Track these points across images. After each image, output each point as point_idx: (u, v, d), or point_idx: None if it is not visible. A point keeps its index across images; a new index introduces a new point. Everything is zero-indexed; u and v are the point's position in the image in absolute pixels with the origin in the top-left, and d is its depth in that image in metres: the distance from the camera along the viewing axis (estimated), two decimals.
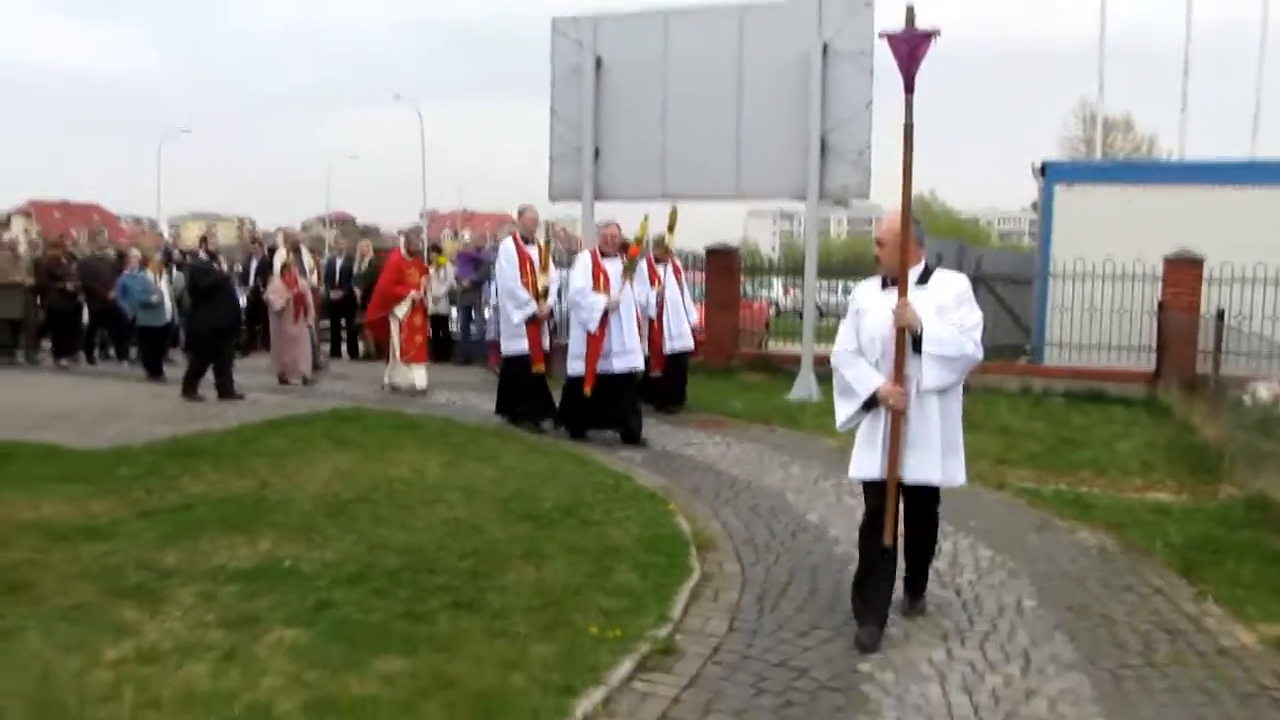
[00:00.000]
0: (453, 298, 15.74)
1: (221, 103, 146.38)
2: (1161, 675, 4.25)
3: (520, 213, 10.30)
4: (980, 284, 15.91)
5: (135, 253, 14.49)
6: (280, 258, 12.83)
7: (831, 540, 6.21)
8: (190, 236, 22.87)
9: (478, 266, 15.38)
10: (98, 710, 3.57)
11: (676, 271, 11.22)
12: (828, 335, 15.59)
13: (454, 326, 16.10)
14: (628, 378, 9.33)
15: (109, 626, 4.34)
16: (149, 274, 13.47)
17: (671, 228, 10.74)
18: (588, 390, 9.18)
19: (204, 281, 11.57)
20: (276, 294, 12.63)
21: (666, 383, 10.90)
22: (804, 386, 12.42)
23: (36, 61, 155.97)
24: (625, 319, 9.24)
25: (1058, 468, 8.32)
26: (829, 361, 4.93)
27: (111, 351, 15.32)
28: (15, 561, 5.20)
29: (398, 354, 12.34)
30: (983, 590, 5.27)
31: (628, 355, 9.25)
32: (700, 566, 5.52)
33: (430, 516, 6.26)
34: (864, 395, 4.55)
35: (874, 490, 4.65)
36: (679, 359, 11.07)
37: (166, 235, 43.64)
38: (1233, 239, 12.86)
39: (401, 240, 13.76)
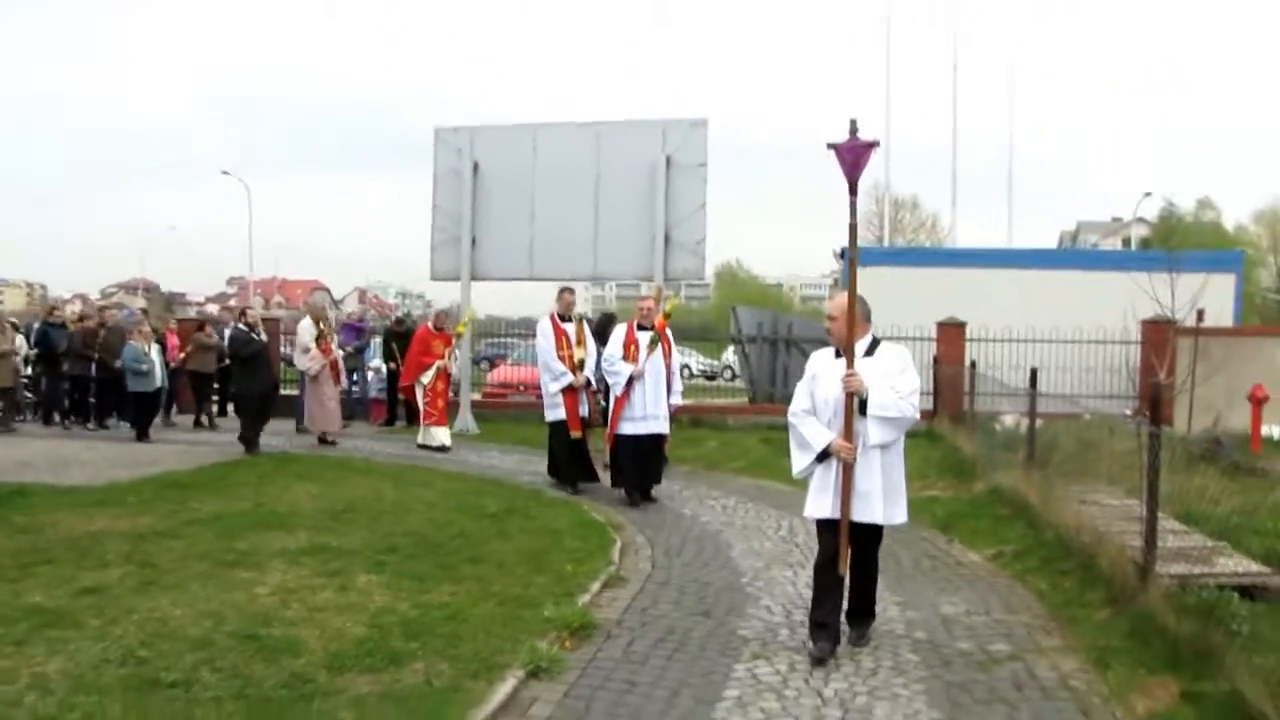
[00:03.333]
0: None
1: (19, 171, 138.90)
2: (925, 576, 6.90)
3: (560, 294, 11.15)
4: (792, 346, 19.08)
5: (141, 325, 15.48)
6: (308, 329, 13.92)
7: (704, 523, 8.72)
8: None
9: (360, 334, 17.42)
10: (284, 612, 5.61)
11: (666, 346, 11.12)
12: None
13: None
14: (649, 440, 9.73)
15: (240, 581, 6.30)
16: (140, 344, 14.40)
17: (666, 310, 11.17)
18: (606, 445, 9.94)
19: (245, 351, 12.82)
20: (314, 360, 13.75)
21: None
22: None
23: None
24: (650, 387, 9.69)
25: None
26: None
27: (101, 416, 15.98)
28: (125, 551, 7.02)
29: (422, 417, 13.65)
30: (809, 550, 7.81)
31: (649, 420, 9.66)
32: (620, 538, 7.89)
33: (411, 517, 8.36)
34: (818, 449, 5.25)
35: (829, 527, 5.35)
36: None
37: None
38: (989, 308, 16.30)
39: (431, 316, 15.03)
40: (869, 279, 18.04)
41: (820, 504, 5.35)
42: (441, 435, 13.54)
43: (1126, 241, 51.83)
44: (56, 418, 16.00)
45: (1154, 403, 6.13)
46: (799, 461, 5.42)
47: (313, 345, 13.77)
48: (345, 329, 17.74)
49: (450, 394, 14.53)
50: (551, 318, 10.65)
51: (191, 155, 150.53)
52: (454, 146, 16.02)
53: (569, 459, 10.38)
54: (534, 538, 7.73)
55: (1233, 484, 9.42)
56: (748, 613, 6.05)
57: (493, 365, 22.22)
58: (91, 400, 16.06)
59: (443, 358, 13.86)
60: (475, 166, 15.84)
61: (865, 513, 5.23)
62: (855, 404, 5.12)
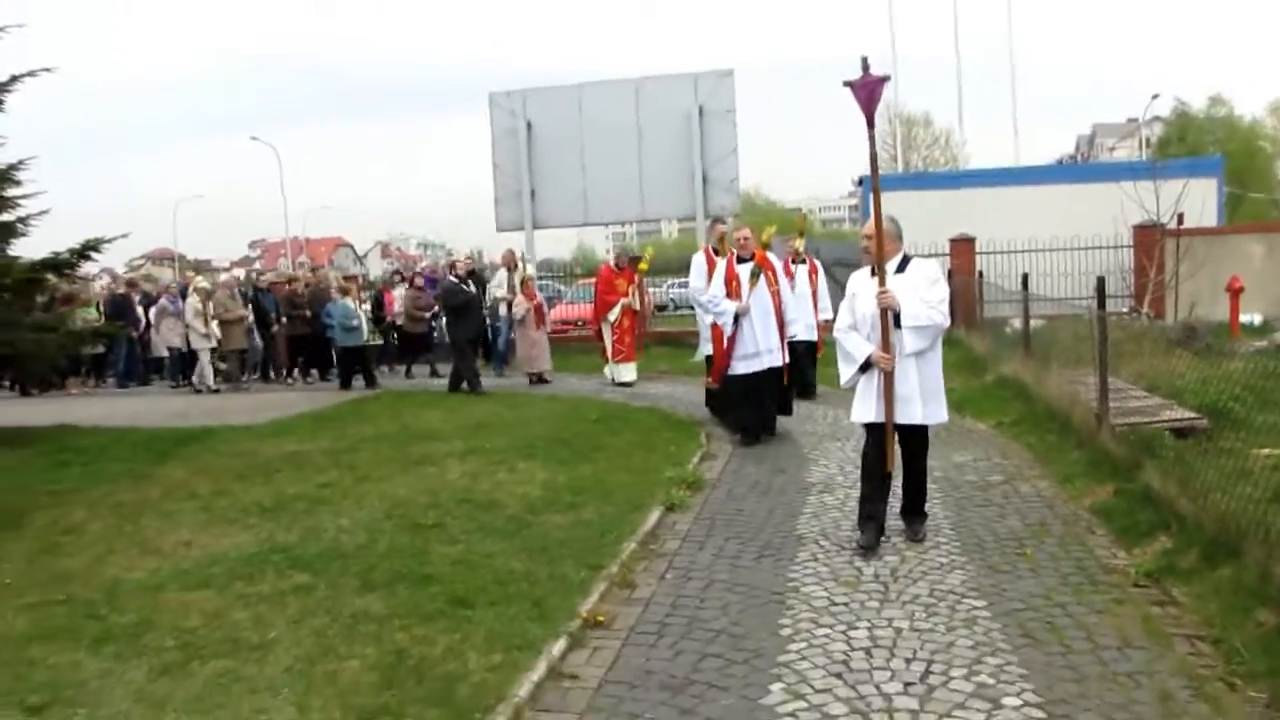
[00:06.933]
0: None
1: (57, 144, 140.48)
2: (942, 441, 8.92)
3: (711, 226, 11.45)
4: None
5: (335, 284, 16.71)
6: (505, 278, 15.81)
7: None
8: None
9: (434, 285, 19.51)
10: (478, 486, 7.75)
11: (812, 270, 12.25)
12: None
13: None
14: (768, 375, 9.51)
15: (430, 473, 8.43)
16: (350, 302, 15.55)
17: (802, 233, 12.11)
18: (713, 384, 9.91)
19: (456, 301, 14.19)
20: (519, 305, 15.07)
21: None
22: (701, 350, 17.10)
23: None
24: (759, 320, 9.44)
25: None
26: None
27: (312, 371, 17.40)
28: (328, 462, 9.19)
29: (610, 353, 14.39)
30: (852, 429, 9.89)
31: (763, 356, 9.45)
32: (703, 429, 10.03)
33: (533, 427, 10.48)
34: (860, 360, 5.82)
35: (873, 430, 5.93)
36: (800, 348, 11.18)
37: None
38: (994, 224, 18.25)
39: (611, 255, 15.33)
40: (885, 203, 20.21)
41: (865, 409, 5.94)
42: (628, 372, 14.27)
43: (1146, 142, 52.96)
44: (272, 374, 17.51)
45: (1100, 292, 8.15)
46: (845, 373, 6.04)
47: (517, 291, 15.16)
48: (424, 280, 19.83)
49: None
50: (705, 251, 10.74)
51: (200, 115, 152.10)
52: (507, 109, 18.00)
53: (739, 400, 9.66)
54: (635, 433, 9.87)
55: (1201, 362, 11.47)
56: (812, 469, 8.22)
57: (550, 305, 24.25)
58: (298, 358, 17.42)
59: (627, 295, 14.27)
60: (529, 126, 17.81)
61: (907, 414, 5.83)
62: (890, 317, 5.69)
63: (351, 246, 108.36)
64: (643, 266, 15.16)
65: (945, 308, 5.81)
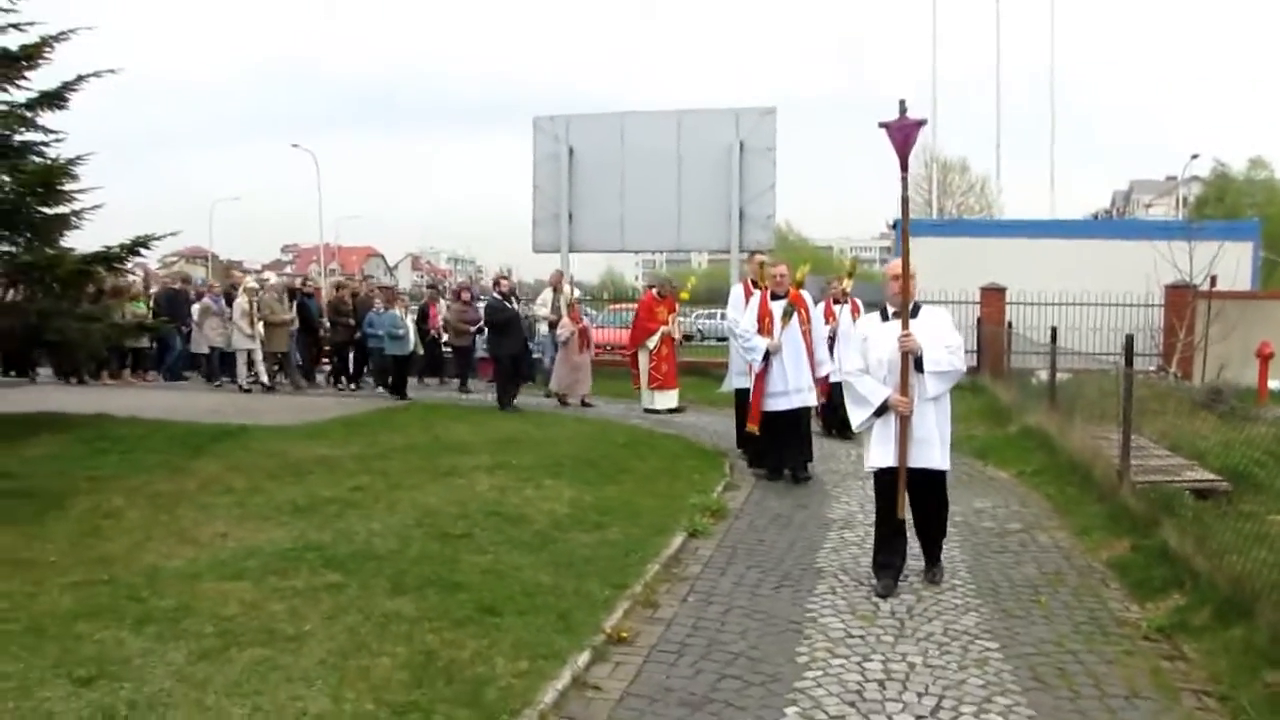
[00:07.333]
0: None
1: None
2: (964, 486, 9.09)
3: (750, 257, 11.44)
4: None
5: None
6: (550, 299, 15.95)
7: None
8: None
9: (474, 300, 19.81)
10: (506, 500, 7.92)
11: (854, 311, 11.52)
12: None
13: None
14: (797, 415, 9.49)
15: (459, 485, 8.62)
16: (397, 311, 15.82)
17: (851, 274, 12.01)
18: (754, 428, 9.50)
19: (499, 318, 14.35)
20: (564, 327, 15.05)
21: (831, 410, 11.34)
22: (728, 382, 17.28)
23: None
24: (790, 358, 9.36)
25: None
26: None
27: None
28: (360, 467, 9.40)
29: (646, 381, 14.30)
30: None
31: (793, 395, 9.37)
32: (727, 459, 10.17)
33: (561, 446, 10.64)
34: (877, 404, 5.75)
35: (887, 476, 5.92)
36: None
37: None
38: (1026, 275, 18.34)
39: (641, 281, 15.67)
40: (918, 248, 20.32)
41: (882, 454, 5.88)
42: (668, 399, 14.22)
43: (1183, 201, 52.82)
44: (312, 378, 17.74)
45: (1128, 349, 8.25)
46: (857, 416, 5.96)
47: (563, 313, 15.19)
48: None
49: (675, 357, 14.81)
50: (744, 283, 10.50)
51: (237, 121, 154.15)
52: (551, 133, 18.28)
53: (766, 437, 9.57)
54: (661, 459, 10.04)
55: (1225, 424, 11.51)
56: (833, 505, 8.35)
57: None
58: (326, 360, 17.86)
59: (667, 323, 14.26)
60: (570, 151, 18.09)
61: (925, 459, 5.86)
62: (910, 361, 5.70)
63: (383, 257, 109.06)
64: (684, 295, 15.10)
65: (963, 354, 5.93)
